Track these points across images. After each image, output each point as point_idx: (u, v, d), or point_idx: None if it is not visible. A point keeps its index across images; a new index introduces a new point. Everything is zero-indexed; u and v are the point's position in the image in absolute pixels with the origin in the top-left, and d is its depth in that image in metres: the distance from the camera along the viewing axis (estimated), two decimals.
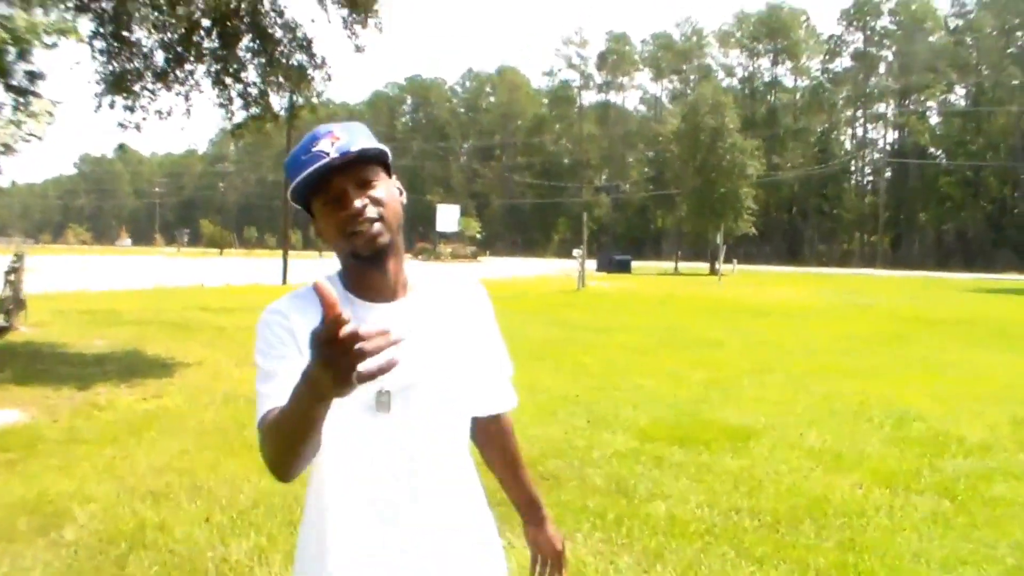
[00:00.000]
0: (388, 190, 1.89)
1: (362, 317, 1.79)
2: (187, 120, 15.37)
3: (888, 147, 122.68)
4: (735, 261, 66.96)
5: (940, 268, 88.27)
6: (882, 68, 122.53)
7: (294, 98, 16.90)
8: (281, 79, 14.65)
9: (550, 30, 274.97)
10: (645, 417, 9.60)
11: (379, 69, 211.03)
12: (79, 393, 10.29)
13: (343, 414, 1.75)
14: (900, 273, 76.70)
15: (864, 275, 71.10)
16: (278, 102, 15.61)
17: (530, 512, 2.35)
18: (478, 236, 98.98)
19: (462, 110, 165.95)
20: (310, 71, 14.94)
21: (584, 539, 5.69)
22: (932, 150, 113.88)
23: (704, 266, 79.07)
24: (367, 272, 1.90)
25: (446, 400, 1.96)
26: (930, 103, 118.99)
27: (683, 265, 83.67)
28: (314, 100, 15.71)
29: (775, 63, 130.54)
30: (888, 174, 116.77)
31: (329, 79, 15.06)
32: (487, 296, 2.16)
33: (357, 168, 1.84)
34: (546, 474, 7.21)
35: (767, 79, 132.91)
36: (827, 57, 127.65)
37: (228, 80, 14.40)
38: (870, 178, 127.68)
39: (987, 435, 9.01)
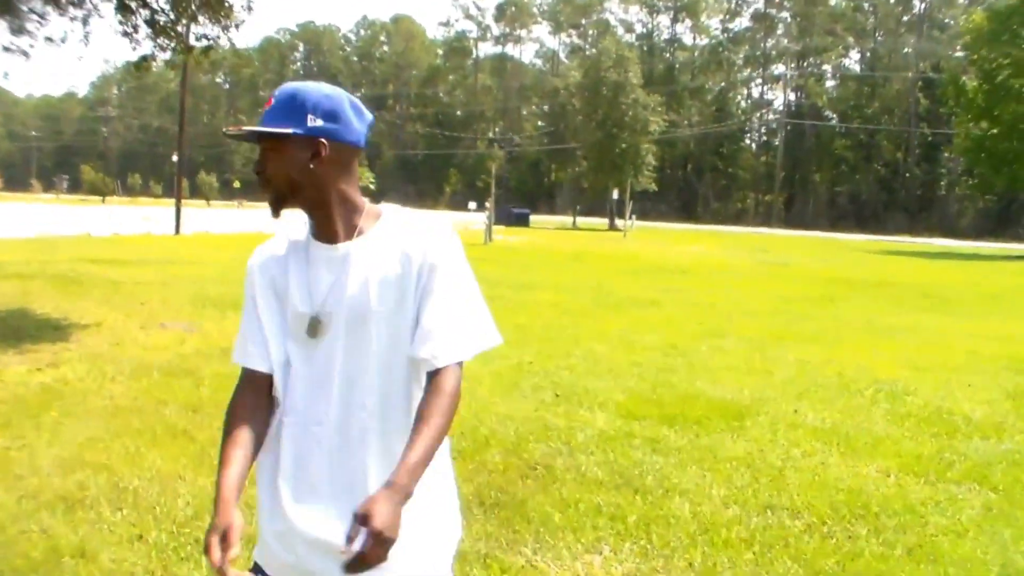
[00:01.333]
0: (281, 161, 2.03)
1: (311, 252, 2.10)
2: (85, 49, 13.59)
3: (785, 108, 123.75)
4: (633, 216, 66.70)
5: (833, 229, 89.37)
6: (780, 29, 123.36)
7: (194, 32, 14.82)
8: (195, 6, 12.84)
9: None
10: (618, 390, 8.58)
11: (270, 14, 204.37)
12: None
13: (286, 339, 2.11)
14: (794, 232, 77.57)
15: (761, 233, 71.58)
16: (190, 33, 13.70)
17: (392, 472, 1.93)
18: (372, 187, 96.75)
19: (355, 59, 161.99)
20: None
21: (614, 553, 4.65)
22: (828, 113, 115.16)
23: (602, 221, 78.80)
24: (308, 216, 2.12)
25: (374, 334, 2.03)
26: (826, 66, 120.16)
27: (580, 220, 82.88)
28: (232, 31, 13.74)
29: (675, 20, 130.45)
30: (783, 135, 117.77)
31: (250, 9, 13.33)
32: (451, 246, 2.12)
33: (268, 137, 2.03)
34: (533, 463, 6.18)
35: (666, 36, 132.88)
36: (727, 17, 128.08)
37: (133, 4, 12.59)
38: (766, 138, 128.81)
39: (990, 412, 8.31)
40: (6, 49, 12.29)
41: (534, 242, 41.01)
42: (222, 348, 9.67)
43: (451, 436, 2.05)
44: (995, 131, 51.35)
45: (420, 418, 1.98)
